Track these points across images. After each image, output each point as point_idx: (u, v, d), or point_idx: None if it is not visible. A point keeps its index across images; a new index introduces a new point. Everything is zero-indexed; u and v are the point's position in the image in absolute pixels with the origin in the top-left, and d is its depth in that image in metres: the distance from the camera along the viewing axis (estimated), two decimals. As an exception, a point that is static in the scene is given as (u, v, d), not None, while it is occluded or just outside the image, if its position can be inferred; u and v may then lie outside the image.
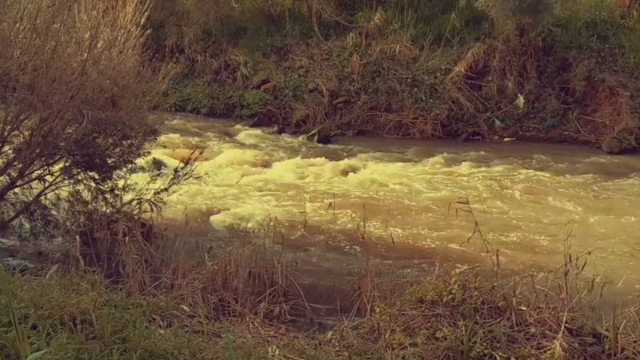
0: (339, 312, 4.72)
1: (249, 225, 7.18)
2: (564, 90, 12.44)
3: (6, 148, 5.78)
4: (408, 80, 12.90)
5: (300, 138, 12.29)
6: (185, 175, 6.60)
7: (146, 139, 6.39)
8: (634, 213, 8.05)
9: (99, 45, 5.74)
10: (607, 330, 3.72)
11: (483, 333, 3.62)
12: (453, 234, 7.00)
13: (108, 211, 6.30)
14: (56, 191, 6.30)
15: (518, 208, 8.23)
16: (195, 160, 6.82)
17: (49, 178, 6.16)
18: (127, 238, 5.22)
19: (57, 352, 2.87)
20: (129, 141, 6.24)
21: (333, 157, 10.90)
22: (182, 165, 6.69)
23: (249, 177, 9.45)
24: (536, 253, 6.65)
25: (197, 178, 6.89)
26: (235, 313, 4.54)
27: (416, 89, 12.77)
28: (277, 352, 3.47)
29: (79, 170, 6.17)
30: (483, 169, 10.24)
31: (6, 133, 5.60)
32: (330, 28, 14.30)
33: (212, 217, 7.58)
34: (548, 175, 9.87)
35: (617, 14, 12.89)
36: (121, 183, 6.39)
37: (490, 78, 12.72)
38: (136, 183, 6.45)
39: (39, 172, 6.13)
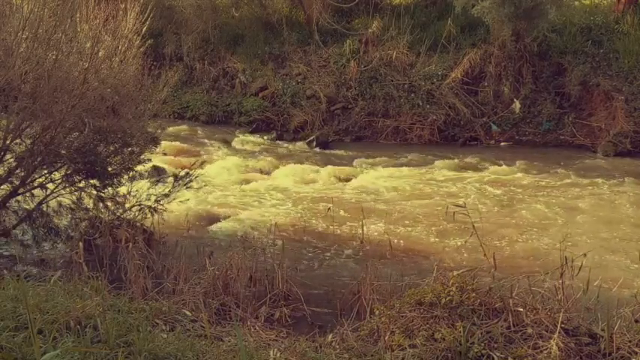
0: (339, 315, 4.78)
1: (250, 230, 7.24)
2: (560, 95, 12.53)
3: (8, 156, 5.84)
4: (405, 86, 12.98)
5: (299, 144, 12.37)
6: (186, 182, 6.66)
7: (146, 147, 6.46)
8: (629, 215, 8.13)
9: (100, 54, 5.80)
10: (602, 330, 3.78)
11: (481, 334, 3.68)
12: (451, 237, 7.07)
13: (109, 218, 6.36)
14: (58, 199, 6.36)
15: (514, 212, 8.30)
16: (195, 165, 6.89)
17: (50, 186, 6.22)
18: (129, 244, 5.27)
19: (63, 356, 2.93)
20: (129, 149, 6.30)
21: (331, 162, 10.98)
22: (183, 173, 6.75)
23: (249, 183, 9.53)
24: (533, 255, 6.71)
25: (197, 184, 6.96)
26: (237, 318, 4.60)
27: (413, 95, 12.85)
28: (279, 355, 3.52)
29: (81, 178, 6.23)
30: (480, 173, 10.33)
31: (8, 142, 5.66)
32: (328, 35, 14.38)
33: (212, 223, 7.63)
34: (544, 178, 9.96)
35: (611, 19, 12.97)
36: (122, 190, 6.45)
37: (486, 83, 12.80)
38: (137, 190, 6.51)
39: (41, 180, 6.19)
